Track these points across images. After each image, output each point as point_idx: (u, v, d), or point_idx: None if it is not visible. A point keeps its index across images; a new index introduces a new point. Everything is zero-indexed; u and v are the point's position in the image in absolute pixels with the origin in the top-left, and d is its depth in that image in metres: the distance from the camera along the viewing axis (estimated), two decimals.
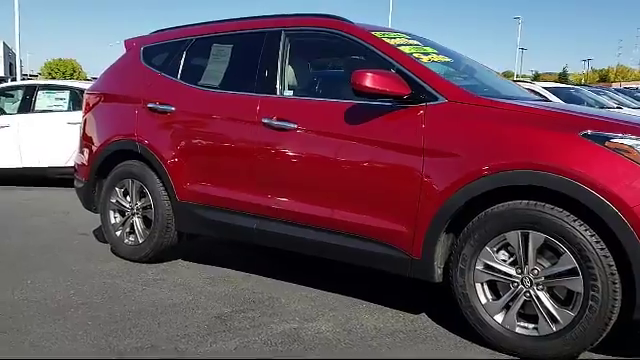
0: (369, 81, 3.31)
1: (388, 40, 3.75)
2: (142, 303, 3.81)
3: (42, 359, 3.02)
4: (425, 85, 3.39)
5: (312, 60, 4.59)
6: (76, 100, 8.96)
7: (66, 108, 8.93)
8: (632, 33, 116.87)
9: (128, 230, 4.79)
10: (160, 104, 4.50)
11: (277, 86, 4.00)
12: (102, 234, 5.49)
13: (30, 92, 8.94)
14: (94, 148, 4.91)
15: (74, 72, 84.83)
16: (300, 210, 3.78)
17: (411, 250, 3.36)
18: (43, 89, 9.01)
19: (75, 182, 5.27)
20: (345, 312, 3.72)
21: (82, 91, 8.57)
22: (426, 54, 3.76)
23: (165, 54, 4.78)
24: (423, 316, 3.70)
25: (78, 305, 3.75)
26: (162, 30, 5.01)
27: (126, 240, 4.78)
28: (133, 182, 4.68)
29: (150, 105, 4.54)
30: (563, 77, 74.58)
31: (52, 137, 8.69)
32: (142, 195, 4.69)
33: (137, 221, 4.71)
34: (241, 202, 4.07)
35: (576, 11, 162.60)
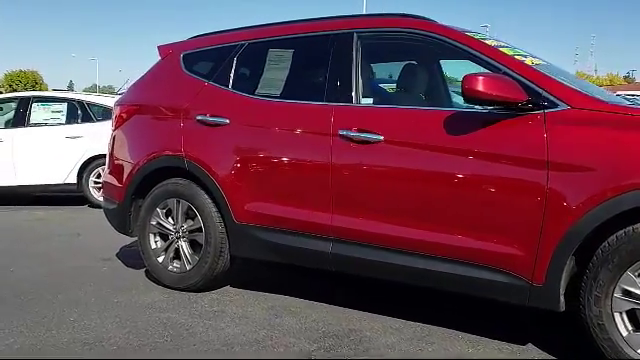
0: (483, 86, 2.94)
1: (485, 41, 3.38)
2: (212, 342, 3.37)
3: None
4: (541, 90, 3.04)
5: (390, 64, 4.18)
6: (74, 113, 8.42)
7: (64, 121, 8.38)
8: (587, 42, 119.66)
9: (172, 255, 4.31)
10: (211, 116, 4.05)
11: (353, 94, 3.60)
12: (127, 259, 5.05)
13: (24, 104, 8.37)
14: (130, 166, 4.42)
15: (36, 84, 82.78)
16: (390, 233, 3.38)
17: (531, 276, 2.99)
18: (38, 101, 8.46)
19: (104, 203, 4.77)
20: (444, 344, 3.35)
21: (81, 103, 8.12)
22: (524, 56, 3.41)
23: (211, 61, 4.34)
24: (532, 347, 3.32)
25: (141, 347, 3.27)
26: (202, 35, 4.57)
27: (170, 267, 4.31)
28: (179, 202, 4.21)
29: (199, 117, 4.09)
30: None
31: (49, 152, 8.12)
32: (189, 216, 4.22)
33: (183, 245, 4.25)
34: (313, 223, 3.65)
35: (534, 20, 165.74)
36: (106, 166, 4.80)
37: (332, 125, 3.54)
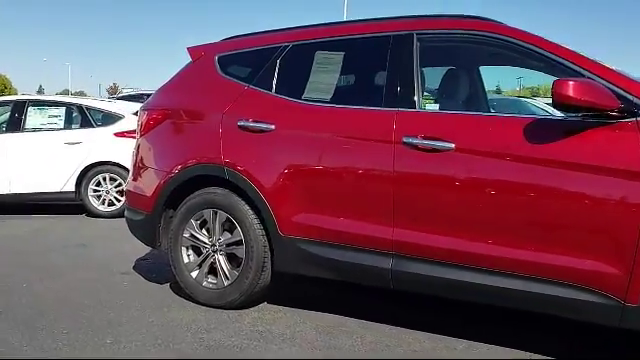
0: (574, 91, 2.75)
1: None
2: None
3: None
4: (631, 97, 2.86)
5: (454, 67, 3.97)
6: (73, 117, 8.05)
7: (62, 126, 7.98)
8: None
9: (207, 270, 4.02)
10: (254, 122, 3.79)
11: (415, 98, 3.37)
12: (147, 272, 4.79)
13: (19, 108, 7.96)
14: (161, 174, 4.13)
15: (5, 88, 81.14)
16: (459, 248, 3.16)
17: (624, 296, 2.78)
18: (34, 105, 8.05)
19: (129, 214, 4.47)
20: None
21: (79, 107, 7.77)
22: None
23: (249, 63, 4.09)
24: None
25: None
26: (238, 37, 4.31)
27: (205, 283, 4.03)
28: (216, 213, 3.93)
29: (240, 123, 3.83)
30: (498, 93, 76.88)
31: (46, 159, 7.73)
32: (226, 228, 3.95)
33: (220, 260, 3.97)
34: (371, 237, 3.41)
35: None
36: (130, 174, 4.49)
37: (395, 132, 3.31)
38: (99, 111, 8.00)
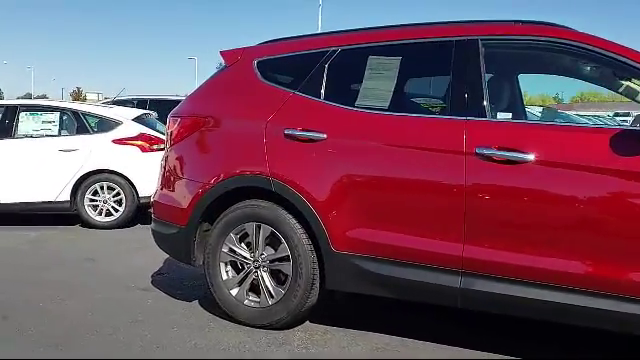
0: None
1: None
2: None
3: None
4: None
5: (521, 75, 3.81)
6: (68, 123, 7.69)
7: (56, 132, 7.59)
8: None
9: (248, 287, 3.78)
10: (303, 130, 3.58)
11: (485, 107, 3.20)
12: (168, 288, 4.55)
13: (10, 114, 7.55)
14: (197, 185, 3.88)
15: None
16: (539, 265, 3.01)
17: None
18: (26, 110, 7.64)
19: (157, 227, 4.20)
20: None
21: (75, 112, 7.42)
22: None
23: (294, 69, 3.88)
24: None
25: None
26: (278, 40, 4.09)
27: (247, 301, 3.78)
28: (259, 227, 3.70)
29: (288, 132, 3.61)
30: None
31: (40, 167, 7.34)
32: (268, 243, 3.71)
33: (264, 276, 3.73)
34: (438, 254, 3.23)
35: None
36: (159, 184, 4.22)
37: (465, 142, 3.12)
38: (96, 117, 7.65)
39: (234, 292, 3.81)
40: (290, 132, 3.60)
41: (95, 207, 7.48)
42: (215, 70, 4.51)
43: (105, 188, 7.47)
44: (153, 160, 7.45)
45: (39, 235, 6.88)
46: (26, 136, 7.53)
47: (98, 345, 3.44)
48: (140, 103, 10.33)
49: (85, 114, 7.62)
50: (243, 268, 3.81)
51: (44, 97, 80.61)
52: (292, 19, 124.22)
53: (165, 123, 4.32)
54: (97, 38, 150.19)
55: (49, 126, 7.56)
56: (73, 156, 7.36)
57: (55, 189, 7.35)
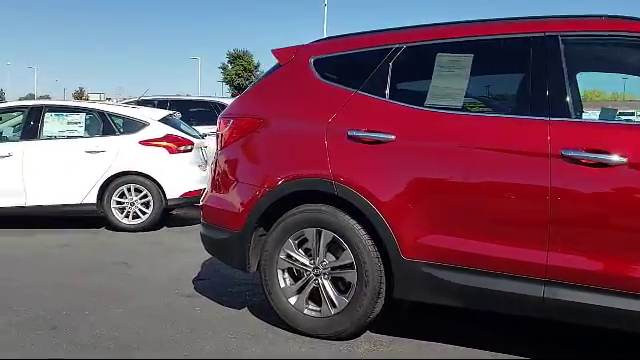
0: None
1: None
2: None
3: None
4: None
5: (607, 74, 3.64)
6: (94, 124, 7.53)
7: (82, 134, 7.43)
8: None
9: (308, 296, 3.61)
10: (368, 131, 3.41)
11: (570, 106, 3.03)
12: (214, 295, 4.47)
13: (36, 114, 7.41)
14: (253, 189, 3.71)
15: None
16: (637, 275, 2.81)
17: None
18: (52, 111, 7.49)
19: (207, 231, 4.04)
20: None
21: (101, 113, 7.25)
22: None
23: (354, 67, 3.72)
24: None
25: None
26: (335, 38, 3.92)
27: (306, 310, 3.61)
28: (320, 232, 3.54)
29: (352, 133, 3.44)
30: None
31: (66, 169, 7.19)
32: (330, 249, 3.55)
33: (326, 285, 3.56)
34: (519, 262, 3.07)
35: None
36: (210, 187, 4.07)
37: (550, 143, 2.95)
38: (122, 117, 7.49)
39: (293, 300, 3.65)
40: (354, 133, 3.44)
41: (122, 209, 7.32)
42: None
43: (132, 190, 7.31)
44: (180, 161, 7.35)
45: (67, 239, 6.72)
46: (52, 137, 7.35)
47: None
48: (161, 103, 10.17)
49: (111, 115, 7.46)
50: (301, 275, 3.65)
51: (47, 97, 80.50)
52: (296, 18, 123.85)
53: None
54: (99, 38, 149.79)
55: (75, 127, 7.41)
56: (100, 157, 7.21)
57: (81, 191, 7.20)
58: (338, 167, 3.45)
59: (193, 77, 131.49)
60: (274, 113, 3.79)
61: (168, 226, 7.64)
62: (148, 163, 7.27)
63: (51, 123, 7.37)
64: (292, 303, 3.64)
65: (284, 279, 3.69)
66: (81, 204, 7.22)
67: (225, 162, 3.95)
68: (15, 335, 3.58)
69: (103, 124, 7.42)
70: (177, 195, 7.40)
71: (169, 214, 7.96)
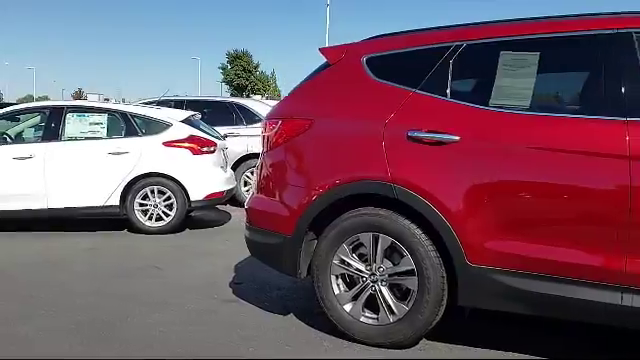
0: None
1: None
2: None
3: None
4: None
5: None
6: (116, 125, 7.39)
7: (105, 135, 7.29)
8: None
9: (364, 303, 3.48)
10: (430, 132, 3.28)
11: None
12: (254, 300, 4.37)
13: (57, 115, 7.26)
14: (305, 192, 3.59)
15: None
16: None
17: None
18: (73, 111, 7.34)
19: (254, 235, 3.93)
20: None
21: (123, 114, 7.12)
22: None
23: (411, 65, 3.59)
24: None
25: None
26: (388, 35, 3.79)
27: (363, 318, 3.49)
28: (378, 237, 3.42)
29: (412, 134, 3.31)
30: None
31: (89, 171, 7.05)
32: (387, 255, 3.42)
33: (383, 291, 3.44)
34: (594, 268, 2.94)
35: None
36: (256, 190, 3.95)
37: (630, 145, 2.82)
38: (145, 118, 7.36)
39: (348, 307, 3.53)
40: (415, 134, 3.31)
41: (145, 212, 7.18)
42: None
43: (155, 192, 7.18)
44: (203, 163, 7.22)
45: (91, 242, 6.59)
46: (73, 138, 7.21)
47: None
48: (177, 104, 10.03)
49: (134, 116, 7.33)
50: (356, 281, 3.53)
51: (46, 99, 79.94)
52: (297, 18, 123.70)
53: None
54: (97, 39, 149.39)
55: (97, 128, 7.27)
56: (123, 159, 7.08)
57: (104, 193, 7.06)
58: (398, 169, 3.32)
59: (191, 78, 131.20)
60: (325, 114, 3.67)
61: (190, 228, 7.51)
62: (172, 165, 7.15)
63: (73, 124, 7.23)
64: (347, 310, 3.52)
65: (338, 285, 3.57)
66: (103, 206, 7.10)
67: (273, 164, 3.82)
68: (61, 342, 3.46)
69: (125, 125, 7.29)
70: (201, 197, 7.27)
71: (188, 216, 7.83)
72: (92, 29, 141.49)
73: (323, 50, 3.88)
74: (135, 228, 7.18)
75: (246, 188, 9.43)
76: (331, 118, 3.64)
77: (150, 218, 7.20)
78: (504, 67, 3.27)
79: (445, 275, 3.29)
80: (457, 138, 3.21)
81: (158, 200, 7.18)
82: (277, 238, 3.70)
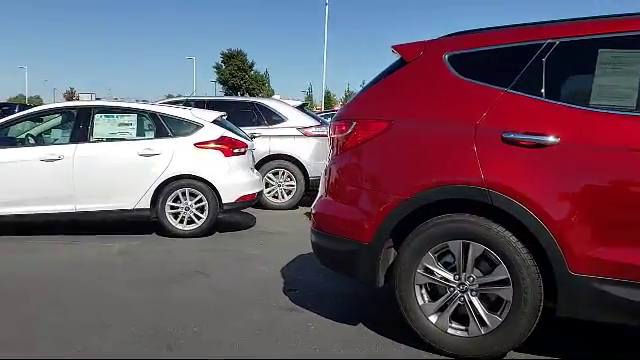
0: None
1: None
2: None
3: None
4: None
5: None
6: (146, 126, 7.19)
7: (134, 136, 7.08)
8: None
9: (451, 314, 3.31)
10: (526, 134, 3.11)
11: None
12: (315, 308, 4.20)
13: (84, 116, 7.04)
14: (387, 197, 3.43)
15: None
16: None
17: None
18: (101, 112, 7.13)
19: (324, 242, 3.77)
20: None
21: (153, 114, 6.91)
22: None
23: (500, 63, 3.43)
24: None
25: None
26: (470, 32, 3.61)
27: (450, 329, 3.31)
28: (469, 245, 3.23)
29: (507, 135, 3.14)
30: None
31: (118, 173, 6.84)
32: (477, 263, 3.24)
33: (474, 302, 3.26)
34: None
35: None
36: (327, 195, 3.77)
37: None
38: (175, 119, 7.15)
39: (433, 319, 3.36)
40: (510, 136, 3.13)
41: (176, 215, 6.98)
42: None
43: (187, 194, 6.98)
44: (235, 164, 7.03)
45: (123, 246, 6.38)
46: (102, 140, 7.00)
47: None
48: (198, 104, 9.81)
49: (164, 116, 7.12)
50: (441, 291, 3.36)
51: (37, 98, 78.99)
52: (295, 17, 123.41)
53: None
54: (89, 38, 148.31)
55: (126, 129, 7.06)
56: (154, 160, 6.88)
57: (135, 196, 6.87)
58: (492, 173, 3.15)
59: (185, 77, 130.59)
60: (406, 114, 3.49)
61: (220, 231, 7.32)
62: (204, 166, 6.96)
63: (101, 125, 7.02)
64: (433, 322, 3.35)
65: (422, 295, 3.39)
66: (134, 209, 6.90)
67: (346, 168, 3.65)
68: (144, 355, 3.27)
69: (155, 126, 7.09)
70: (233, 199, 7.08)
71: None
72: (84, 28, 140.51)
73: (397, 47, 3.70)
74: (166, 231, 6.98)
75: (268, 190, 9.22)
76: (413, 119, 3.46)
77: (181, 221, 7.00)
78: (603, 66, 3.11)
79: (542, 285, 3.11)
80: (557, 140, 3.05)
81: (190, 203, 6.97)
82: (352, 245, 3.52)
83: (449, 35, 3.67)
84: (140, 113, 7.17)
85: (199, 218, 7.00)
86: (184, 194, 6.98)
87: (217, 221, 7.21)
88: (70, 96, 78.78)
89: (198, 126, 7.12)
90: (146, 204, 6.88)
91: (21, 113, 7.52)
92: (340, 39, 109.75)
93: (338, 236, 3.63)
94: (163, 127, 7.05)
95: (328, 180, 3.77)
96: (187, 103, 9.59)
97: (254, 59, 71.74)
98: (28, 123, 7.75)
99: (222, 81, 71.26)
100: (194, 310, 4.13)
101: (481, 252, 3.22)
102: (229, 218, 8.15)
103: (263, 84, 72.97)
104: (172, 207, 6.97)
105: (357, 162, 3.60)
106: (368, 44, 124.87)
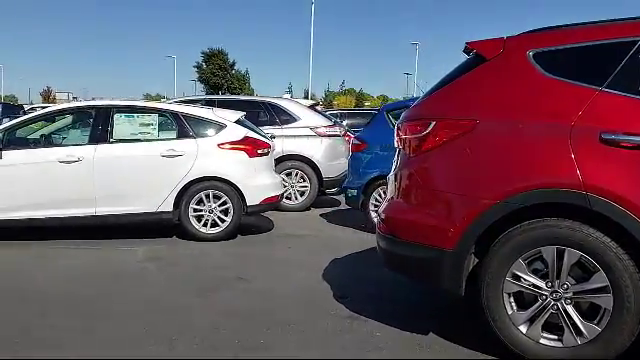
0: None
1: None
2: None
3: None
4: None
5: None
6: (168, 126, 6.95)
7: (156, 137, 6.83)
8: None
9: (543, 324, 3.16)
10: (629, 134, 2.99)
11: None
12: (377, 315, 4.02)
13: (104, 116, 6.78)
14: (472, 200, 3.28)
15: None
16: None
17: None
18: (121, 112, 6.86)
19: (398, 249, 3.61)
20: None
21: (175, 114, 6.69)
22: None
23: (591, 61, 3.30)
24: None
25: None
26: (556, 28, 3.47)
27: (542, 340, 3.17)
28: (564, 251, 3.08)
29: (607, 136, 3.00)
30: None
31: (140, 175, 6.59)
32: (570, 270, 3.10)
33: (569, 311, 3.11)
34: None
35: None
36: (400, 198, 3.62)
37: None
38: (198, 119, 6.93)
39: (523, 329, 3.21)
40: (611, 137, 2.99)
41: (199, 217, 6.75)
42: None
43: (211, 197, 6.76)
44: (259, 165, 6.83)
45: (149, 251, 6.15)
46: (122, 140, 6.74)
47: None
48: (208, 103, 9.57)
49: (186, 116, 6.88)
50: (530, 299, 3.21)
51: (12, 97, 77.14)
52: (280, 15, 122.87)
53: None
54: (66, 37, 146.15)
55: (148, 129, 6.81)
56: (177, 162, 6.65)
57: (157, 198, 6.63)
58: (591, 176, 3.01)
59: (164, 77, 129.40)
60: (490, 114, 3.34)
61: (242, 234, 7.11)
62: (228, 167, 6.75)
63: (122, 125, 6.76)
64: (524, 331, 3.19)
65: (510, 304, 3.23)
66: (156, 212, 6.65)
67: (424, 170, 3.49)
68: None
69: (178, 126, 6.85)
70: (257, 201, 6.87)
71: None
72: (60, 27, 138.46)
73: (473, 44, 3.55)
74: (189, 235, 6.75)
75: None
76: (500, 119, 3.31)
77: (205, 224, 6.77)
78: None
79: None
80: None
81: (213, 205, 6.75)
82: (433, 252, 3.36)
83: (529, 32, 3.51)
84: (161, 113, 6.93)
85: (222, 221, 6.78)
86: (208, 196, 6.75)
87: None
88: (47, 94, 77.55)
89: (221, 126, 6.90)
90: (169, 207, 6.65)
91: (36, 113, 7.24)
92: (320, 39, 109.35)
93: (414, 242, 3.47)
94: (185, 127, 6.81)
95: (400, 183, 3.60)
96: (193, 103, 9.30)
97: (235, 58, 71.40)
98: (42, 124, 7.44)
99: (203, 80, 70.79)
100: (252, 319, 3.96)
101: (577, 258, 3.07)
102: (245, 221, 7.92)
103: (244, 83, 72.64)
104: (195, 210, 6.73)
105: (437, 164, 3.44)
106: (349, 45, 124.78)
